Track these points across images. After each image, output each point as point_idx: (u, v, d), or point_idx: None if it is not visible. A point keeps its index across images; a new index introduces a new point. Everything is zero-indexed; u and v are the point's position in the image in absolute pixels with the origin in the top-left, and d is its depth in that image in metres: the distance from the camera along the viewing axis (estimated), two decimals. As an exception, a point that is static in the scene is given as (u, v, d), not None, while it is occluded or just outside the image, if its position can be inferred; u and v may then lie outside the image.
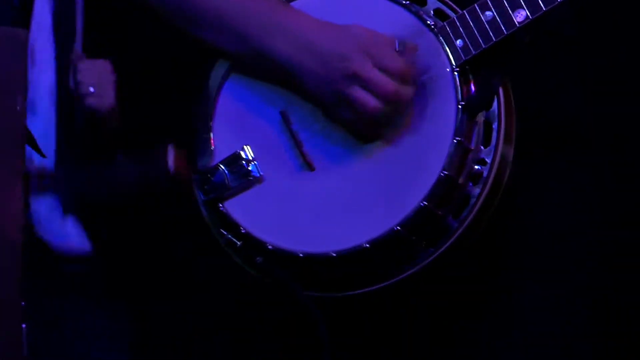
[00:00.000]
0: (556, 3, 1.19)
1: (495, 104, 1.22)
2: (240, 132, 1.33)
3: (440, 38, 1.23)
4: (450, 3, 1.26)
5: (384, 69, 1.20)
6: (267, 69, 1.30)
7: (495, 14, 1.20)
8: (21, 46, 1.14)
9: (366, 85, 1.20)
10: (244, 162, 1.30)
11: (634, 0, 1.46)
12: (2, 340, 1.01)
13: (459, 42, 1.22)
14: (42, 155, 1.19)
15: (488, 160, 1.21)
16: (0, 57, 1.10)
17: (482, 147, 1.21)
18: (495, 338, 1.33)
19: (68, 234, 1.24)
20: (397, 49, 1.23)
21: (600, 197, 1.39)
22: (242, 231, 1.27)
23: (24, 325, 1.01)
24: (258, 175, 1.29)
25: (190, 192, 1.33)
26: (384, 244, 1.19)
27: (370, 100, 1.21)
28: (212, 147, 1.32)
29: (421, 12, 1.25)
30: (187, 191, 1.31)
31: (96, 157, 1.22)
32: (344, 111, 1.25)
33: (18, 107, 1.07)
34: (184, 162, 1.22)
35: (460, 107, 1.20)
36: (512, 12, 1.19)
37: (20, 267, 1.01)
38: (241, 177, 1.30)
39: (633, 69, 1.67)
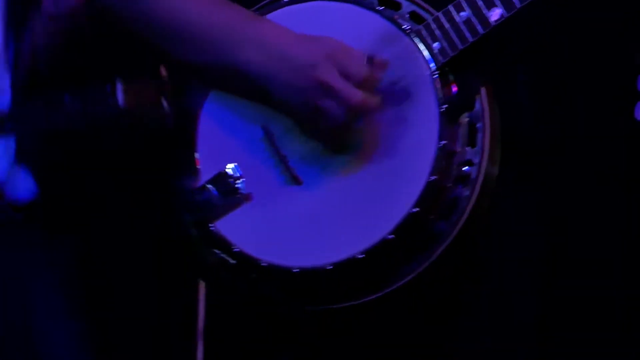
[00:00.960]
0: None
1: (478, 103, 1.22)
2: (224, 150, 1.33)
3: (417, 42, 1.23)
4: (424, 5, 1.25)
5: (350, 78, 1.20)
6: (240, 83, 1.29)
7: (470, 14, 1.20)
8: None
9: (332, 94, 1.20)
10: (230, 180, 1.30)
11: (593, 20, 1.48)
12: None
13: (436, 44, 1.22)
14: None
15: (475, 161, 1.20)
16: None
17: (467, 149, 1.21)
18: (486, 333, 1.34)
19: (16, 181, 1.27)
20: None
21: (546, 212, 1.41)
22: (235, 249, 1.27)
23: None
24: (246, 192, 1.29)
25: (144, 128, 1.34)
26: (378, 252, 1.19)
27: (335, 109, 1.20)
28: (198, 167, 1.32)
29: (396, 17, 1.25)
30: (140, 127, 1.31)
31: (44, 99, 1.24)
32: (315, 122, 1.25)
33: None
34: (135, 95, 1.22)
35: (442, 110, 1.20)
36: (487, 10, 1.19)
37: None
38: (229, 195, 1.30)
39: (586, 86, 1.70)
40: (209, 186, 1.31)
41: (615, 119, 1.69)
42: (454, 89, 1.23)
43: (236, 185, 1.30)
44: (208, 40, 1.29)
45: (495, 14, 1.19)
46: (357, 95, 1.19)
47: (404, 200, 1.20)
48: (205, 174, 1.32)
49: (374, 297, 1.24)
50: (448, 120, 1.20)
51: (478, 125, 1.22)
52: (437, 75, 1.22)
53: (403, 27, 1.24)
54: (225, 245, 1.29)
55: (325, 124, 1.23)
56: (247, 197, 1.30)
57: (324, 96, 1.21)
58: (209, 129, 1.33)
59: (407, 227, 1.19)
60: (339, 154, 1.28)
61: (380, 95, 1.23)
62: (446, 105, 1.20)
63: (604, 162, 1.86)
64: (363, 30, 1.26)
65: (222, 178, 1.31)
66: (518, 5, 1.18)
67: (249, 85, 1.28)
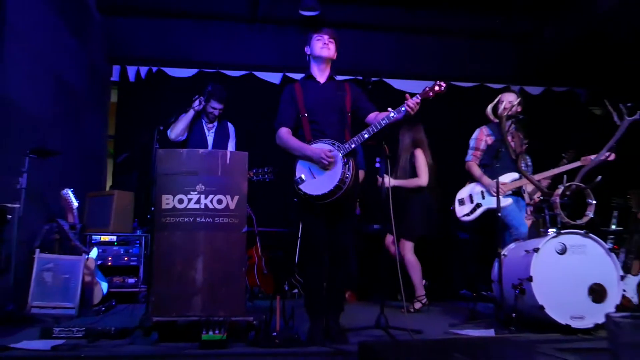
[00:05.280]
0: (379, 129, 6.00)
1: (351, 162, 6.02)
2: (301, 172, 6.12)
3: (339, 151, 6.03)
4: (338, 144, 6.14)
5: (328, 156, 6.01)
6: (306, 157, 6.10)
7: (349, 145, 6.05)
8: (244, 159, 6.02)
9: (326, 160, 5.99)
10: (304, 177, 6.08)
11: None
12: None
13: (342, 151, 6.01)
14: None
15: (349, 174, 5.98)
16: (238, 165, 5.95)
17: (347, 172, 5.97)
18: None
19: None
20: (331, 151, 6.02)
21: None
22: (306, 192, 6.00)
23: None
24: (306, 180, 6.09)
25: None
26: (332, 190, 5.73)
27: (326, 162, 5.99)
28: (297, 176, 6.15)
29: (336, 145, 6.06)
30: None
31: None
32: (321, 164, 6.03)
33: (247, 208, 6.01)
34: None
35: (343, 163, 5.99)
36: (364, 136, 6.07)
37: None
38: (303, 181, 6.10)
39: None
40: (299, 179, 6.08)
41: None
42: (345, 160, 5.99)
43: (304, 179, 6.08)
44: (299, 150, 6.10)
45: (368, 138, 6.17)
46: (331, 159, 6.00)
47: (335, 181, 5.90)
48: (298, 176, 6.09)
49: (333, 198, 5.89)
50: (344, 165, 5.97)
51: (349, 165, 6.04)
52: (343, 156, 6.01)
53: (336, 147, 6.06)
54: (304, 192, 6.03)
55: (322, 165, 6.02)
56: (305, 181, 6.06)
57: (324, 160, 5.99)
58: (299, 167, 6.14)
59: (336, 186, 5.89)
60: (325, 170, 6.02)
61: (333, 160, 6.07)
62: (344, 162, 6.01)
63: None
64: (328, 147, 6.08)
65: (302, 177, 6.10)
66: (376, 130, 6.08)
67: (308, 157, 6.10)
